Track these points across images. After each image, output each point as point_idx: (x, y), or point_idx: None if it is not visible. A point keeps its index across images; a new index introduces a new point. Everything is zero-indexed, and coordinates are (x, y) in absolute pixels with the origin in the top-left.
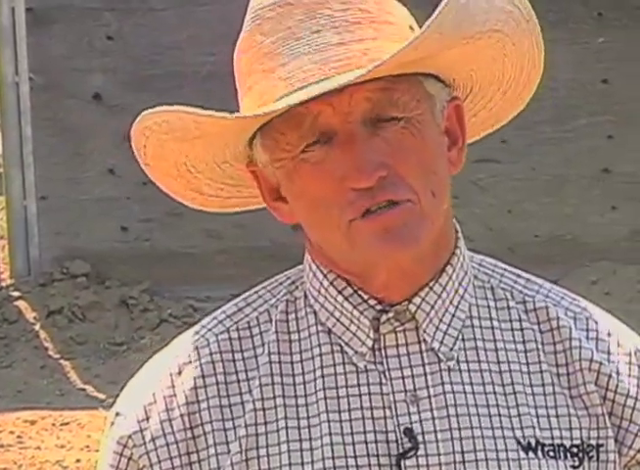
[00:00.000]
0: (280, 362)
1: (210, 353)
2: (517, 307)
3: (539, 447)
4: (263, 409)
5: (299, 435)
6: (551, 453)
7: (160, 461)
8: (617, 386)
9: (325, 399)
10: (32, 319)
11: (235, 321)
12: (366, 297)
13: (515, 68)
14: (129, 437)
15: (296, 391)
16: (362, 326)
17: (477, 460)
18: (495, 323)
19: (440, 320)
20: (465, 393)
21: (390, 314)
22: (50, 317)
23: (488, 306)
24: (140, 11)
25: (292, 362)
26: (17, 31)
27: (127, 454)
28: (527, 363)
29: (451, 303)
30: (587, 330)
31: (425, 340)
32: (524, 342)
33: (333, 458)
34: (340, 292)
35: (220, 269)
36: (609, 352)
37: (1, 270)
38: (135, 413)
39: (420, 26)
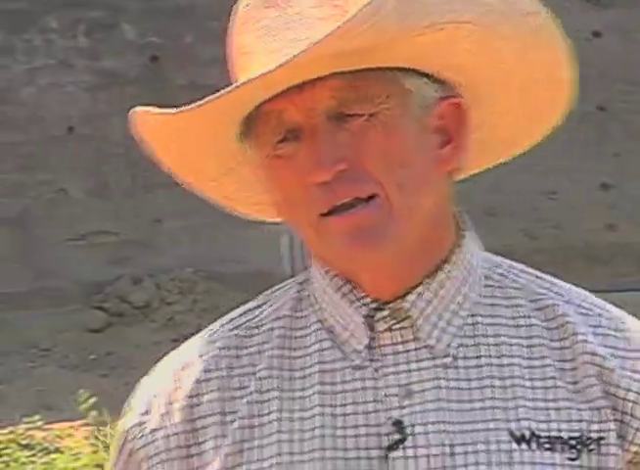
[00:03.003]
0: (281, 357)
1: (218, 349)
2: (527, 305)
3: (534, 439)
4: (259, 402)
5: (292, 427)
6: (546, 445)
7: (158, 453)
8: (619, 380)
9: (320, 393)
10: None
11: (247, 319)
12: (361, 295)
13: (525, 65)
14: (130, 429)
15: (292, 384)
16: (357, 324)
17: (466, 452)
18: (501, 320)
19: (440, 317)
20: (459, 388)
21: (385, 312)
22: None
23: (496, 304)
24: None
25: (291, 358)
26: None
27: (129, 447)
28: (530, 358)
29: (452, 300)
30: (596, 326)
31: (419, 337)
32: (529, 337)
33: (323, 450)
34: (337, 289)
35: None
36: (615, 347)
37: None
38: (138, 407)
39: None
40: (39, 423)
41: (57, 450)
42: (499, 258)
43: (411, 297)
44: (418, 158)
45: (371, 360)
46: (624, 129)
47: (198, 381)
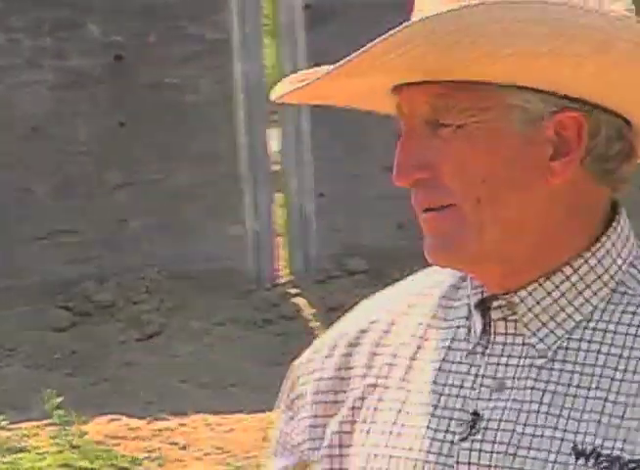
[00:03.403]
0: (430, 327)
1: (393, 302)
2: None
3: (593, 456)
4: (387, 365)
5: (406, 397)
6: (604, 464)
7: (311, 393)
8: None
9: (438, 370)
10: (310, 316)
11: (430, 283)
12: (476, 284)
13: None
14: (300, 364)
15: (425, 354)
16: (473, 309)
17: (526, 457)
18: (611, 327)
19: (551, 318)
20: (545, 391)
21: (503, 302)
22: (328, 314)
23: (615, 311)
24: None
25: (438, 328)
26: (295, 28)
27: (293, 381)
28: (625, 371)
29: (570, 303)
30: None
31: (525, 334)
32: (632, 348)
33: (417, 427)
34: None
35: None
36: None
37: (279, 267)
38: (313, 345)
39: None
40: (4, 423)
41: (22, 450)
42: None
43: (522, 293)
44: (511, 172)
45: (484, 347)
46: None
47: (361, 330)
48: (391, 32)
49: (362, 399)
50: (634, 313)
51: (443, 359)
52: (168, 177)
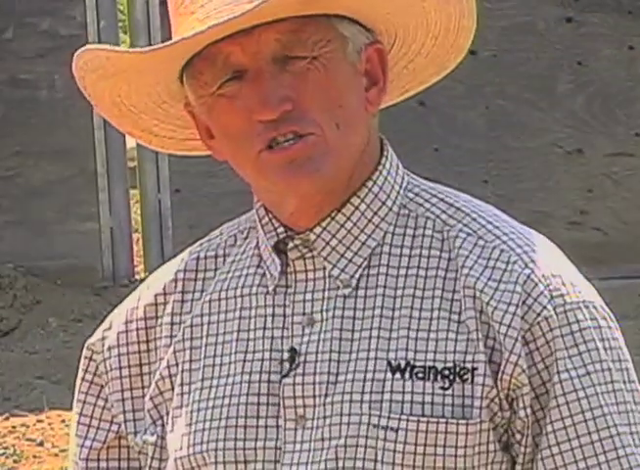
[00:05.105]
0: (225, 281)
1: (177, 271)
2: (434, 236)
3: (408, 369)
4: (196, 326)
5: (215, 351)
6: (420, 375)
7: (112, 369)
8: (493, 313)
9: (239, 318)
10: None
11: (210, 244)
12: (277, 225)
13: (439, 14)
14: (93, 344)
15: (226, 307)
16: (271, 251)
17: (345, 381)
18: (405, 250)
19: (347, 248)
20: (354, 318)
21: (298, 241)
22: None
23: (405, 234)
24: None
25: (228, 279)
26: (150, 25)
27: (90, 360)
28: (424, 289)
29: (362, 231)
30: (488, 259)
31: (324, 267)
32: (427, 268)
33: (232, 375)
34: (260, 219)
35: None
36: (498, 281)
37: (136, 264)
38: (104, 323)
39: None
40: None
41: None
42: (427, 184)
43: (317, 229)
44: (352, 99)
45: (285, 286)
46: None
47: (156, 303)
48: None
49: (175, 365)
50: (423, 236)
51: (242, 308)
52: (23, 173)
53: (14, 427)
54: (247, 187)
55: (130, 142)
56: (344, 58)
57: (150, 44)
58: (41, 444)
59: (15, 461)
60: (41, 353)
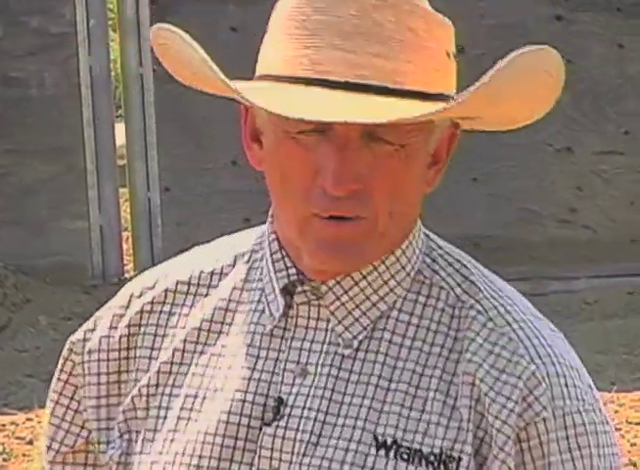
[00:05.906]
0: (224, 310)
1: (168, 280)
2: (445, 310)
3: (394, 447)
4: (183, 350)
5: (200, 383)
6: (404, 456)
7: (90, 374)
8: (490, 405)
9: (233, 355)
10: None
11: (206, 257)
12: (289, 265)
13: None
14: (74, 343)
15: (219, 339)
16: (277, 291)
17: (327, 446)
18: (414, 320)
19: (357, 306)
20: (348, 381)
21: (307, 287)
22: None
23: (416, 301)
24: (264, 2)
25: (226, 310)
26: (140, 23)
27: (69, 359)
28: (425, 366)
29: (376, 292)
30: (495, 344)
31: (329, 320)
32: (432, 344)
33: (212, 412)
34: (271, 254)
35: None
36: (501, 371)
37: (125, 262)
38: (88, 323)
39: None
40: None
41: None
42: (444, 248)
43: (331, 282)
44: (416, 188)
45: (284, 329)
46: None
47: (142, 311)
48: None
49: (156, 386)
50: (434, 308)
51: (234, 343)
52: (14, 171)
53: (3, 425)
54: (236, 186)
55: (120, 139)
56: (426, 146)
57: (139, 43)
58: (30, 442)
59: (4, 459)
60: (31, 352)
